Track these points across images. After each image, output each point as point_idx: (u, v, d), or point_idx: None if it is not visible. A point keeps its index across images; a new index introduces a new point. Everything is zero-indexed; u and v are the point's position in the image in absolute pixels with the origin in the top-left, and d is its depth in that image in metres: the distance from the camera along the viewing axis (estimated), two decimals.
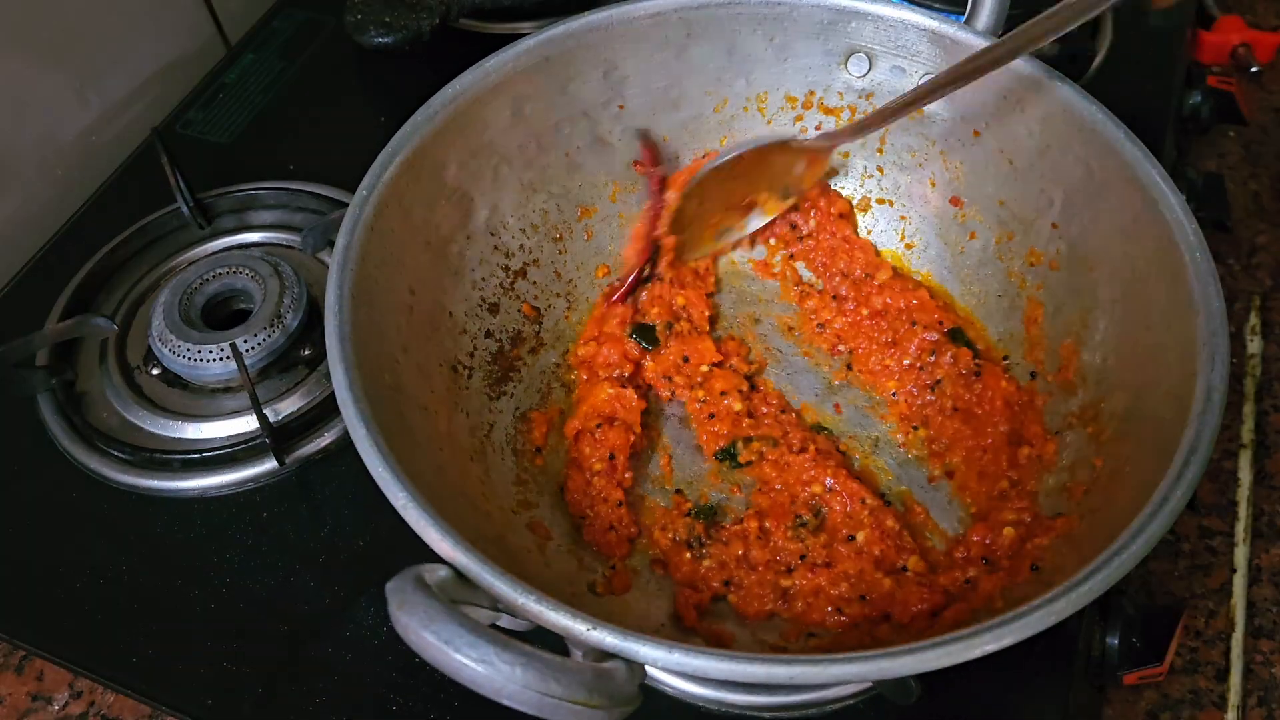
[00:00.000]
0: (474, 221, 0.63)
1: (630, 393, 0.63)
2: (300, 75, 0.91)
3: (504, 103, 0.62)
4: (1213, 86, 0.86)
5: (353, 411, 0.47)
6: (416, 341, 0.57)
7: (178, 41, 0.91)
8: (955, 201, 0.66)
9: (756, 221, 0.70)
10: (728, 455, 0.63)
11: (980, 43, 0.60)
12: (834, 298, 0.69)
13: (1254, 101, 0.93)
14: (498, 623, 0.43)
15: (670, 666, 0.40)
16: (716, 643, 0.55)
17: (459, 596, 0.41)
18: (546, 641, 0.40)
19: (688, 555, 0.59)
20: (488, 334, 0.64)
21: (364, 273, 0.53)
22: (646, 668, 0.41)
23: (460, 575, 0.42)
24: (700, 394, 0.65)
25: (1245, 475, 0.70)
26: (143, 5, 0.87)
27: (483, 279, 0.64)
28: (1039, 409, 0.61)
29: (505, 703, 0.38)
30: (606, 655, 0.40)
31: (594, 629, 0.40)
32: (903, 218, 0.69)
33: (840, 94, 0.67)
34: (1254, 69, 0.91)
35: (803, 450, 0.61)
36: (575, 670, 0.38)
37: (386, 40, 0.85)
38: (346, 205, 0.56)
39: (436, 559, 0.43)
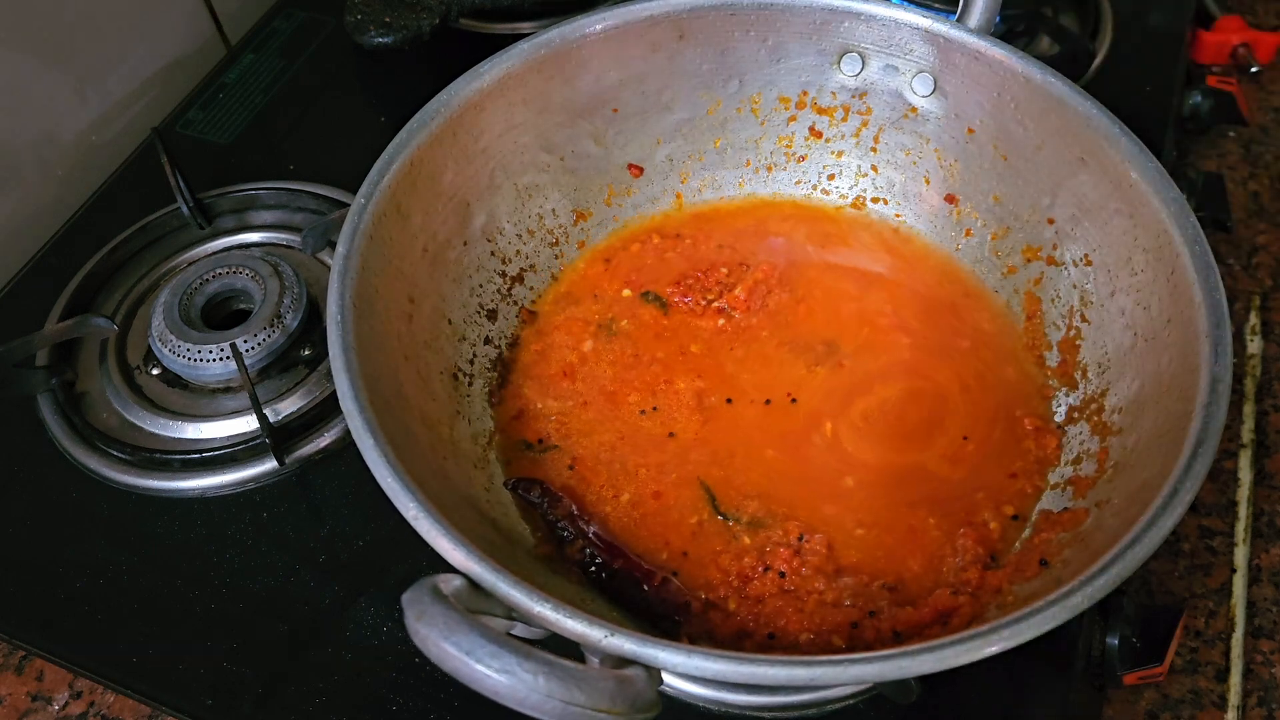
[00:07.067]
0: (470, 228, 0.63)
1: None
2: (300, 75, 0.91)
3: (498, 108, 0.62)
4: (1213, 86, 0.86)
5: (359, 422, 0.46)
6: (417, 349, 0.57)
7: (178, 41, 0.91)
8: (950, 199, 0.66)
9: None
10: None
11: (973, 40, 0.60)
12: None
13: (1254, 101, 0.93)
14: (511, 631, 0.43)
15: (689, 671, 0.40)
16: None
17: (473, 605, 0.41)
18: (555, 649, 0.39)
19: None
20: (486, 340, 0.64)
21: (364, 281, 0.53)
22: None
23: (474, 584, 0.42)
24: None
25: (1245, 475, 0.70)
26: (143, 5, 0.87)
27: (480, 285, 0.64)
28: (1041, 403, 0.61)
29: (528, 712, 0.37)
30: (623, 662, 0.40)
31: (612, 635, 0.40)
32: (898, 215, 0.69)
33: (834, 94, 0.67)
34: (1254, 69, 0.91)
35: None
36: (598, 678, 0.38)
37: (386, 40, 0.85)
38: (346, 205, 0.56)
39: (439, 560, 0.43)
